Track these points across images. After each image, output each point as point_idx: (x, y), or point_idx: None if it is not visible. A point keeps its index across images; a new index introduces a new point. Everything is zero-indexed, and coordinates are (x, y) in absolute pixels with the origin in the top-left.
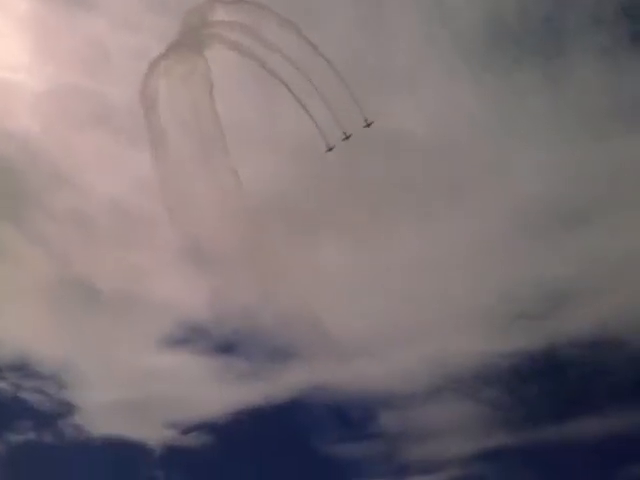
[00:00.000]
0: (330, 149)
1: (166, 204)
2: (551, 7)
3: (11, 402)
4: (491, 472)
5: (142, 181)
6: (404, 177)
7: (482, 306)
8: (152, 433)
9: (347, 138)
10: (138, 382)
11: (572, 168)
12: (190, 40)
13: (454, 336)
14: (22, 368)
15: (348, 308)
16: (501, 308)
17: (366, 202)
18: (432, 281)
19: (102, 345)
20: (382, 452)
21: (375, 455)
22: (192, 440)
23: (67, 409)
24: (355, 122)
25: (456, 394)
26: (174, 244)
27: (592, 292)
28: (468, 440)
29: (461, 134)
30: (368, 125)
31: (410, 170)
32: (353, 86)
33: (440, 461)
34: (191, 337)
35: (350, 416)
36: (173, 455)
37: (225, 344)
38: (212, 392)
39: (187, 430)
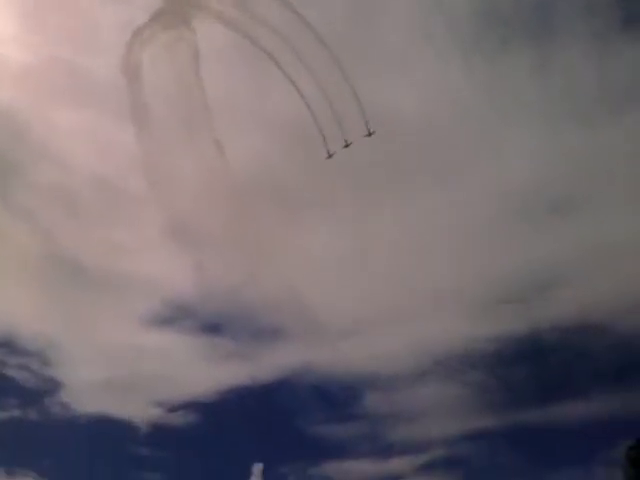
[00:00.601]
0: (330, 156)
1: (150, 180)
2: None
3: None
4: (475, 453)
5: (127, 157)
6: (392, 159)
7: (467, 290)
8: (138, 411)
9: (347, 146)
10: (124, 360)
11: (559, 153)
12: (176, 9)
13: (439, 319)
14: (7, 345)
15: (334, 289)
16: (486, 292)
17: (353, 183)
18: (418, 264)
19: (87, 323)
20: (367, 433)
21: (360, 436)
22: (178, 418)
23: (53, 386)
24: (347, 102)
25: (441, 376)
26: (159, 222)
27: (576, 277)
28: (452, 422)
29: (450, 117)
30: (370, 134)
31: (398, 152)
32: (344, 65)
33: (424, 442)
34: (177, 316)
35: (335, 397)
36: (159, 433)
37: (211, 324)
38: (198, 371)
39: (173, 408)
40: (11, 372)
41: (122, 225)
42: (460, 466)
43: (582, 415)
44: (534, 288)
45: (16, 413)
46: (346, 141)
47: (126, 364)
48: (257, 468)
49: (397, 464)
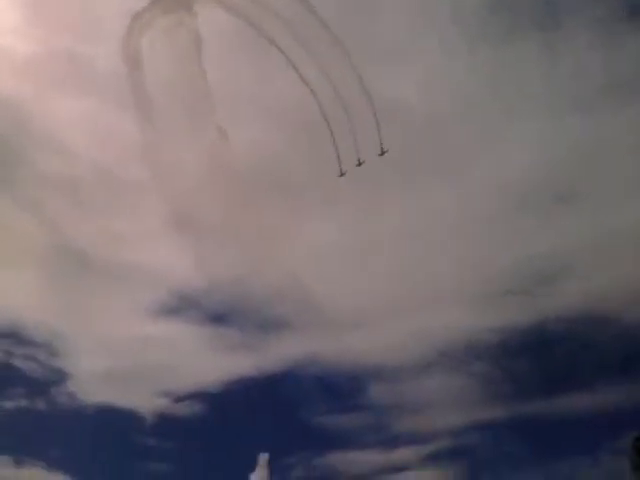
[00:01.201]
0: (342, 174)
1: (152, 169)
2: None
3: (3, 369)
4: (480, 443)
5: (130, 146)
6: (395, 150)
7: (472, 281)
8: (144, 401)
9: (360, 165)
10: (130, 351)
11: (563, 144)
12: None
13: (444, 310)
14: (13, 335)
15: (339, 281)
16: (491, 284)
17: (356, 174)
18: (422, 255)
19: (93, 313)
20: (372, 423)
21: (365, 426)
22: (184, 408)
23: (59, 377)
24: (353, 91)
25: (446, 368)
26: (164, 212)
27: (581, 269)
28: (457, 412)
29: (453, 107)
30: (382, 153)
31: (401, 143)
32: (350, 53)
33: (429, 432)
34: (182, 306)
35: (340, 388)
36: (165, 423)
37: (216, 314)
38: (204, 362)
39: (179, 399)
40: (18, 362)
41: (127, 215)
42: (465, 456)
43: (587, 406)
44: (538, 279)
45: (23, 403)
46: (359, 160)
47: (132, 354)
48: (263, 458)
49: (402, 454)
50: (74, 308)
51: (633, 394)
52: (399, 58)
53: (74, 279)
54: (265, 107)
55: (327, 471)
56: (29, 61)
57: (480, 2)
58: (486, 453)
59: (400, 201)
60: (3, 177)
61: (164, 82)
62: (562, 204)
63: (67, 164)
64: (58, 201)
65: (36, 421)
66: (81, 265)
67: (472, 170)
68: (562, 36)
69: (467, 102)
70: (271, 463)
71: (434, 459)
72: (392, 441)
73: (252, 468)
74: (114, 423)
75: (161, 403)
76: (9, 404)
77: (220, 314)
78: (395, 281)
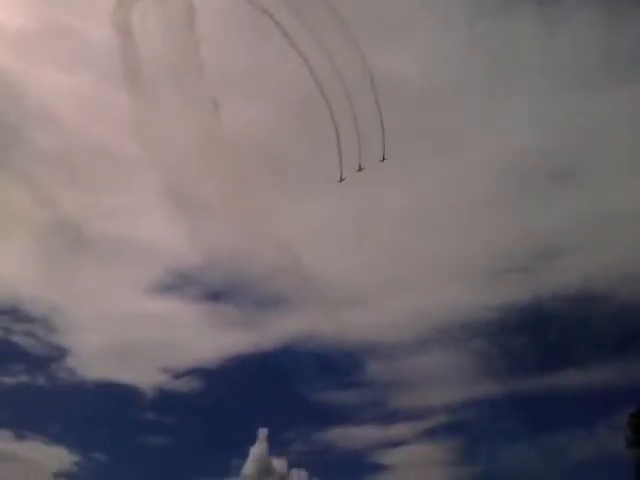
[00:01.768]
0: (342, 179)
1: (146, 144)
2: None
3: (3, 345)
4: (477, 419)
5: (125, 121)
6: (394, 126)
7: (469, 258)
8: (144, 377)
9: (361, 170)
10: (128, 327)
11: (562, 120)
12: None
13: (441, 287)
14: (12, 312)
15: (337, 258)
16: (488, 261)
17: (353, 150)
18: (420, 232)
19: (91, 289)
20: (370, 399)
21: (363, 402)
22: (183, 384)
23: (59, 353)
24: (351, 66)
25: (443, 345)
26: (160, 188)
27: (578, 246)
28: (454, 389)
29: (452, 82)
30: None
31: (400, 119)
32: (349, 27)
33: (427, 408)
34: (180, 284)
35: (338, 364)
36: (165, 399)
37: (214, 292)
38: (202, 338)
39: (178, 375)
40: (17, 339)
41: (123, 191)
42: (462, 431)
43: (584, 383)
44: (536, 257)
45: (23, 379)
46: (360, 166)
47: (130, 331)
48: (262, 433)
49: (400, 430)
50: (72, 284)
51: (629, 371)
52: (398, 34)
53: (71, 255)
54: (261, 81)
55: (325, 446)
56: (20, 34)
57: None
58: (483, 428)
59: (398, 179)
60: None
61: (157, 55)
62: (561, 181)
63: (61, 139)
64: (53, 176)
65: (36, 396)
66: (78, 241)
67: (471, 147)
68: (562, 10)
69: (466, 77)
70: (270, 438)
71: (431, 434)
72: (390, 417)
73: (252, 442)
74: (114, 398)
75: (160, 379)
76: (9, 380)
77: (218, 291)
78: (394, 259)
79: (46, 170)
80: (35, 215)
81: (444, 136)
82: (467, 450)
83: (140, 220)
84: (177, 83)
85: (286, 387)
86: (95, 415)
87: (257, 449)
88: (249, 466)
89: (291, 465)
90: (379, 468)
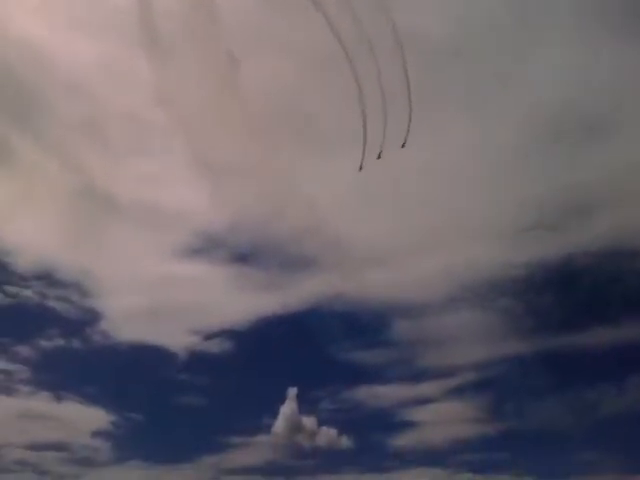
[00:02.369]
0: (361, 169)
1: (170, 110)
2: None
3: (38, 310)
4: (505, 377)
5: (149, 87)
6: (420, 82)
7: (497, 216)
8: (175, 339)
9: (379, 157)
10: (159, 290)
11: (594, 71)
12: None
13: (469, 246)
14: (45, 277)
15: (363, 218)
16: (516, 218)
17: (380, 109)
18: (446, 190)
19: (122, 254)
20: (397, 359)
21: (390, 361)
22: (214, 346)
23: (92, 316)
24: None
25: (470, 303)
26: (186, 153)
27: (608, 202)
28: (482, 347)
29: (477, 35)
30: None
31: (426, 75)
32: None
33: (454, 367)
34: (208, 247)
35: (365, 324)
36: (196, 360)
37: (241, 254)
38: (231, 300)
39: (209, 336)
40: (52, 304)
41: (149, 156)
42: (490, 389)
43: (614, 340)
44: (566, 213)
45: (60, 342)
46: (380, 155)
47: (161, 294)
48: (292, 392)
49: (427, 388)
50: (103, 250)
51: None
52: None
53: (103, 221)
54: (285, 46)
55: (354, 404)
56: (45, 1)
57: None
58: (511, 386)
59: (425, 136)
60: (25, 120)
61: (175, 16)
62: (592, 135)
63: (88, 106)
64: (80, 143)
65: (72, 359)
66: (107, 207)
67: (499, 102)
68: None
69: (492, 31)
70: (299, 397)
71: (459, 392)
72: (417, 375)
73: (282, 401)
74: (147, 360)
75: (191, 340)
76: (46, 343)
77: (245, 254)
78: (420, 217)
79: (74, 137)
80: (64, 182)
81: (471, 91)
82: (495, 407)
83: (167, 184)
84: (195, 43)
85: (314, 347)
86: (129, 376)
87: (287, 408)
88: (280, 424)
89: (320, 423)
90: (407, 425)
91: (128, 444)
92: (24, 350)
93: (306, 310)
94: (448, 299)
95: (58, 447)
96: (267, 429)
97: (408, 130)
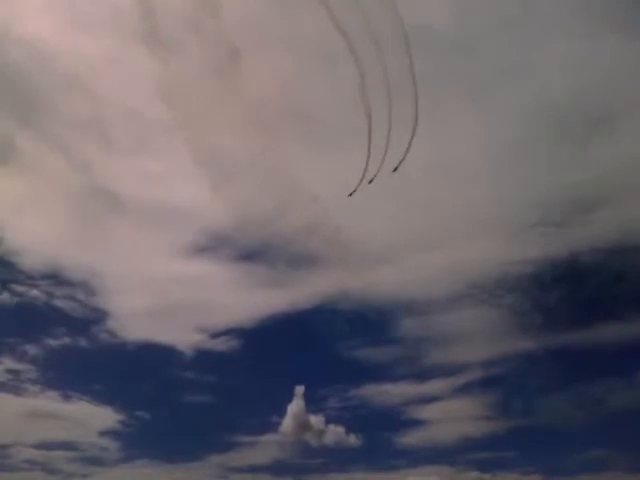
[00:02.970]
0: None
1: (174, 106)
2: None
3: (45, 309)
4: (510, 375)
5: (153, 85)
6: (424, 75)
7: (503, 212)
8: (182, 337)
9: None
10: (165, 288)
11: (599, 66)
12: None
13: (475, 243)
14: (52, 276)
15: (368, 215)
16: (522, 214)
17: (384, 103)
18: (452, 186)
19: (128, 252)
20: (403, 356)
21: (396, 359)
22: (221, 344)
23: (99, 315)
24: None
25: (476, 300)
26: (190, 150)
27: (614, 198)
28: (488, 344)
29: (484, 28)
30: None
31: (431, 68)
32: None
33: (461, 364)
34: (214, 245)
35: (371, 322)
36: (203, 358)
37: (247, 252)
38: (238, 299)
39: (215, 334)
40: (59, 303)
41: (155, 154)
42: (497, 386)
43: (620, 336)
44: (572, 209)
45: (67, 341)
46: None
47: (167, 292)
48: (299, 390)
49: (434, 386)
50: (109, 249)
51: None
52: None
53: (108, 220)
54: (290, 44)
55: (361, 402)
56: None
57: None
58: (518, 383)
59: (429, 131)
60: (29, 118)
61: (178, 13)
62: (598, 132)
63: (91, 104)
64: (86, 142)
65: (79, 358)
66: (112, 205)
67: (504, 95)
68: None
69: (499, 24)
70: (306, 395)
71: (466, 389)
72: (424, 373)
73: (289, 400)
74: (154, 358)
75: (198, 339)
76: (54, 342)
77: (251, 252)
78: (425, 214)
79: (78, 135)
80: (71, 181)
81: (476, 84)
82: (502, 405)
83: (173, 183)
84: (198, 40)
85: (321, 345)
86: (136, 375)
87: (294, 406)
88: (287, 423)
89: (328, 421)
90: (415, 423)
91: (136, 443)
92: (32, 349)
93: (313, 308)
94: (454, 296)
95: (66, 446)
96: (275, 427)
97: (413, 133)
